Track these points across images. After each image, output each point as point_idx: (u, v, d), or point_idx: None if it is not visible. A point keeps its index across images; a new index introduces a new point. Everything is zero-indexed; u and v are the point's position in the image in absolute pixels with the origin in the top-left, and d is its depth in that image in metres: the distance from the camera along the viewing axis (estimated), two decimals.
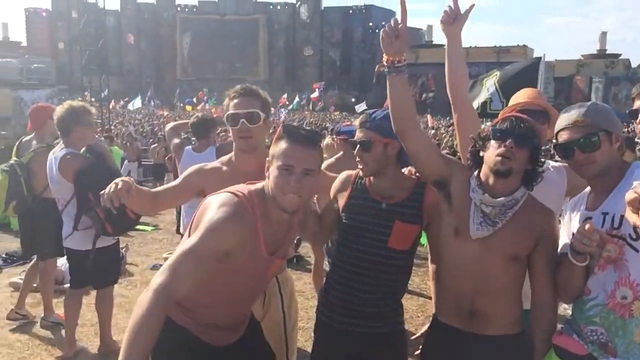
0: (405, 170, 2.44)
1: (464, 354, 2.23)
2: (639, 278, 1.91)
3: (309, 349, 2.85)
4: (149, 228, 9.50)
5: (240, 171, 2.55)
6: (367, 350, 2.39)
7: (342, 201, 2.43)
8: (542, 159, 2.20)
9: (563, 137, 2.11)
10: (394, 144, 2.32)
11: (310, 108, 44.47)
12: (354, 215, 2.37)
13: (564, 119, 2.13)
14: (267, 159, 2.12)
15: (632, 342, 1.92)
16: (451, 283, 2.27)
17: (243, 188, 2.09)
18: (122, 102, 39.78)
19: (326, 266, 5.58)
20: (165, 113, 38.80)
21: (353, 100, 47.28)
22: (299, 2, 64.57)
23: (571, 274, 2.01)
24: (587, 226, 1.86)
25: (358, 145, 2.33)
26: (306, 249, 7.22)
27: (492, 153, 2.11)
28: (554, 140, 2.24)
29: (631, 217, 1.67)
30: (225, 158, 2.68)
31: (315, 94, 42.94)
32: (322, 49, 64.06)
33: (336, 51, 62.15)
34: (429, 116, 26.39)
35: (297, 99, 44.29)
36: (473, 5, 2.51)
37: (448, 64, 2.58)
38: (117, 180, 2.26)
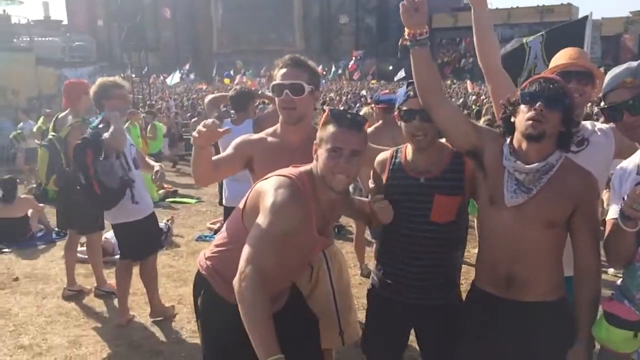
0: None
1: (501, 320, 2.22)
2: None
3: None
4: (192, 201, 9.72)
5: (285, 143, 2.57)
6: (423, 322, 2.44)
7: (381, 180, 2.42)
8: (577, 120, 2.14)
9: (611, 98, 2.04)
10: None
11: (348, 77, 43.99)
12: (395, 196, 2.37)
13: (611, 79, 2.06)
14: (315, 142, 2.19)
15: None
16: (488, 251, 2.26)
17: (293, 171, 2.18)
18: (161, 78, 40.26)
19: (368, 235, 5.62)
20: (204, 87, 39.13)
21: (390, 68, 46.51)
22: None
23: (621, 239, 1.97)
24: (638, 191, 1.81)
25: (418, 115, 2.29)
26: (347, 219, 7.26)
27: (522, 118, 2.06)
28: (601, 104, 2.16)
29: None
30: (270, 130, 2.68)
31: (352, 63, 42.41)
32: (357, 16, 62.88)
33: (372, 18, 60.91)
34: (468, 82, 25.79)
35: (333, 68, 43.88)
36: None
37: (476, 32, 2.52)
38: (206, 122, 2.29)
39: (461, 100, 18.95)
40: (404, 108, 2.33)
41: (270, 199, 2.05)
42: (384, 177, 2.43)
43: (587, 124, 2.59)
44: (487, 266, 2.27)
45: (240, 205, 2.28)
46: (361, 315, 2.94)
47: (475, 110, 13.39)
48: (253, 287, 1.90)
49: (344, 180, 2.13)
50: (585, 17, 5.84)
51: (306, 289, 2.71)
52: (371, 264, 5.69)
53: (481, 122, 2.44)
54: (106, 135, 4.00)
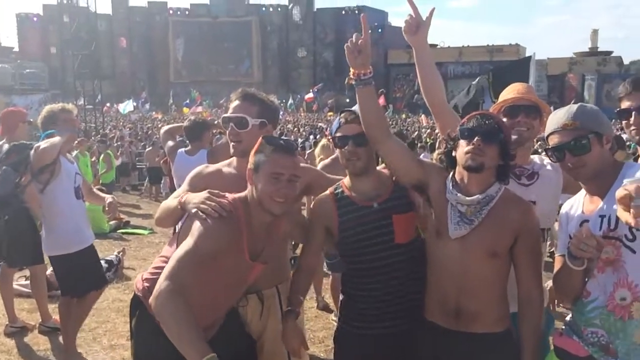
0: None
1: (451, 352, 2.24)
2: (637, 279, 1.92)
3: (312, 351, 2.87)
4: (145, 232, 9.49)
5: (240, 174, 2.54)
6: (400, 348, 2.42)
7: (332, 224, 2.42)
8: (513, 153, 2.22)
9: (553, 140, 2.11)
10: None
11: (305, 109, 44.43)
12: (352, 230, 2.37)
13: (553, 122, 2.13)
14: (249, 167, 2.23)
15: (632, 344, 1.92)
16: (436, 283, 2.29)
17: (227, 196, 2.25)
18: (115, 106, 39.63)
19: (324, 267, 5.60)
20: (159, 116, 38.71)
21: (347, 101, 47.31)
22: (292, 4, 64.56)
23: (569, 277, 2.02)
24: (584, 232, 1.86)
25: (351, 140, 2.35)
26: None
27: (462, 151, 2.15)
28: (546, 144, 2.25)
29: (622, 215, 1.65)
30: (227, 161, 2.69)
31: (309, 95, 42.93)
32: (315, 50, 64.09)
33: (329, 52, 62.12)
34: (423, 116, 26.44)
35: (290, 100, 44.29)
36: (433, 9, 2.52)
37: (420, 72, 2.58)
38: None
39: (416, 133, 19.36)
40: (338, 135, 2.39)
41: (196, 224, 2.13)
42: (333, 216, 2.40)
43: (536, 158, 2.68)
44: (436, 298, 2.29)
45: (177, 227, 2.31)
46: (317, 349, 2.90)
47: (429, 143, 13.71)
48: (168, 298, 1.96)
49: (282, 203, 2.18)
50: (529, 57, 6.16)
51: (257, 326, 2.64)
52: (328, 296, 5.69)
53: (435, 155, 2.50)
54: (42, 144, 3.87)
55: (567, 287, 2.09)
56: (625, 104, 2.41)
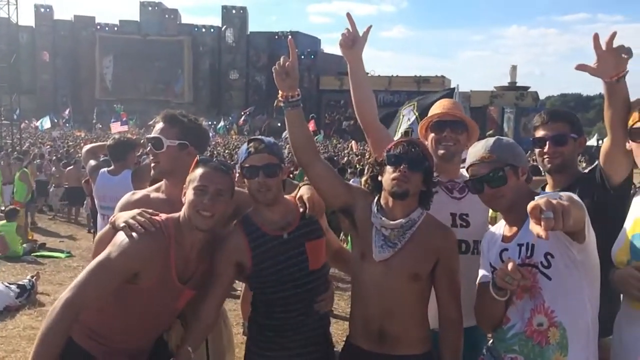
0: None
1: None
2: (553, 305, 2.00)
3: None
4: (62, 255, 9.01)
5: (169, 198, 2.52)
6: None
7: (245, 258, 2.33)
8: (435, 180, 2.30)
9: (472, 172, 2.20)
10: (286, 168, 2.40)
11: (236, 132, 44.11)
12: (269, 262, 2.32)
13: (472, 154, 2.22)
14: (184, 185, 2.25)
15: None
16: (361, 305, 2.32)
17: (160, 215, 2.25)
18: (34, 123, 37.71)
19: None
20: (82, 134, 37.22)
21: (279, 124, 47.47)
22: (225, 26, 64.42)
23: (492, 306, 2.08)
24: (510, 266, 1.92)
25: (261, 171, 2.27)
26: None
27: (388, 177, 2.20)
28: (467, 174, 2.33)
29: (534, 228, 1.71)
30: (156, 185, 2.65)
31: (242, 119, 42.75)
32: (247, 73, 64.01)
33: (262, 75, 62.22)
34: (353, 142, 26.89)
35: (222, 122, 43.88)
36: (370, 26, 2.60)
37: (353, 87, 2.64)
38: None
39: (346, 159, 19.65)
40: (246, 165, 2.30)
41: (120, 236, 2.14)
42: (245, 250, 2.32)
43: (465, 171, 2.77)
44: (360, 322, 2.32)
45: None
46: None
47: (359, 169, 13.95)
48: (62, 314, 2.00)
49: (208, 219, 2.18)
50: (453, 89, 6.47)
51: (183, 352, 2.54)
52: None
53: (363, 180, 2.54)
54: None
55: (490, 315, 2.16)
56: (540, 133, 2.55)
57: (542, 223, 1.66)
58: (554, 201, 1.68)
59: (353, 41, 2.58)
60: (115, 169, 4.80)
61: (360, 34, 2.60)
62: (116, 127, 27.82)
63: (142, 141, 5.60)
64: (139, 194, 2.62)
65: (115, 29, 65.06)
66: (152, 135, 2.53)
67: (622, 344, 2.12)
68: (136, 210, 2.24)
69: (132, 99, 59.61)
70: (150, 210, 2.26)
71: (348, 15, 2.59)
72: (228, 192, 2.25)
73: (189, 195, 2.21)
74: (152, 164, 2.54)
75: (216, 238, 2.34)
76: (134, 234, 2.11)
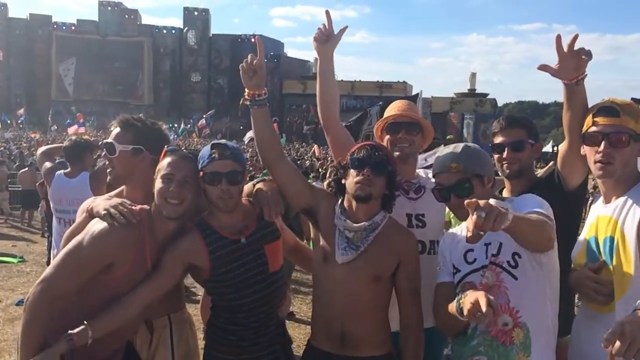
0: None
1: None
2: (518, 305, 2.03)
3: None
4: (14, 260, 8.70)
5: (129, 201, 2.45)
6: None
7: (201, 261, 2.29)
8: (397, 184, 2.33)
9: (439, 180, 2.21)
10: (246, 173, 2.40)
11: (198, 135, 43.57)
12: (229, 266, 2.29)
13: (439, 162, 2.22)
14: (154, 176, 2.25)
15: None
16: (323, 307, 2.33)
17: (135, 206, 2.28)
18: None
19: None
20: (37, 135, 36.12)
21: (241, 128, 47.17)
22: (187, 28, 63.66)
23: (456, 319, 2.04)
24: (483, 303, 1.76)
25: (224, 178, 2.22)
26: (191, 279, 6.98)
27: (352, 181, 2.22)
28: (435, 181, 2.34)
29: (468, 221, 1.69)
30: (117, 190, 2.58)
31: (202, 122, 42.26)
32: (209, 76, 63.40)
33: (224, 78, 61.70)
34: (316, 146, 26.92)
35: (183, 125, 43.28)
36: (346, 27, 2.63)
37: (320, 84, 2.65)
38: None
39: (308, 163, 19.67)
40: (209, 171, 2.24)
41: (94, 225, 2.15)
42: (203, 253, 2.27)
43: (421, 172, 2.80)
44: (322, 323, 2.33)
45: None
46: None
47: (322, 173, 13.99)
48: (35, 306, 2.04)
49: (176, 207, 2.19)
50: (417, 95, 6.56)
51: (146, 357, 2.49)
52: None
53: (325, 184, 2.55)
54: None
55: (452, 325, 2.15)
56: (498, 139, 2.60)
57: (473, 217, 1.64)
58: (494, 204, 1.66)
59: (327, 37, 2.61)
60: (72, 171, 4.68)
61: (335, 33, 2.64)
62: (73, 130, 27.13)
63: (99, 143, 5.46)
64: (101, 199, 2.56)
65: (73, 28, 63.43)
66: (106, 140, 2.52)
67: (580, 344, 2.18)
68: (115, 199, 2.26)
69: (89, 100, 58.27)
70: (128, 202, 2.27)
71: (327, 12, 2.64)
72: (196, 179, 2.26)
73: (157, 184, 2.22)
74: (108, 170, 2.50)
75: (187, 229, 2.33)
76: (115, 223, 2.12)
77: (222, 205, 2.26)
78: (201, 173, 2.25)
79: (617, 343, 1.40)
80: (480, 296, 1.76)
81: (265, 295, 2.34)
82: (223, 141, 2.38)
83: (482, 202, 1.66)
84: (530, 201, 2.10)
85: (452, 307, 1.99)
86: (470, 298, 1.81)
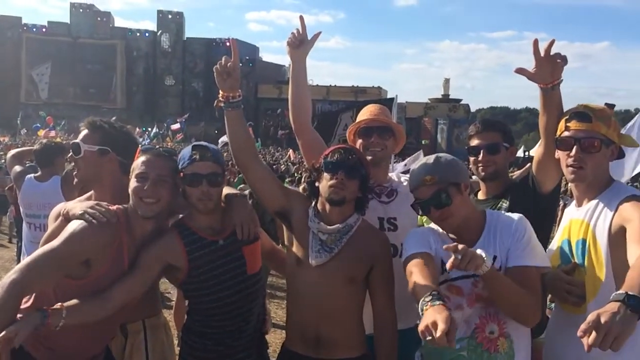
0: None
1: None
2: (504, 316, 2.06)
3: None
4: None
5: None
6: None
7: (180, 262, 2.28)
8: (369, 186, 2.34)
9: (417, 195, 2.19)
10: (225, 176, 2.39)
11: (172, 138, 43.12)
12: (206, 267, 2.28)
13: (413, 177, 2.21)
14: (130, 175, 2.23)
15: None
16: (297, 311, 2.33)
17: (110, 206, 2.24)
18: None
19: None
20: (5, 139, 35.30)
21: (216, 132, 46.88)
22: (160, 31, 63.03)
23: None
24: (437, 333, 1.64)
25: (205, 180, 2.22)
26: (166, 285, 6.89)
27: (325, 184, 2.22)
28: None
29: (448, 262, 1.85)
30: (87, 194, 2.55)
31: (176, 125, 41.86)
32: (184, 79, 62.83)
33: (199, 82, 61.21)
34: (291, 151, 26.89)
35: (155, 129, 42.79)
36: (320, 32, 2.65)
37: (292, 88, 2.66)
38: None
39: (284, 167, 19.63)
40: (189, 172, 2.24)
41: (72, 225, 2.11)
42: (181, 253, 2.27)
43: (394, 175, 2.82)
44: (297, 327, 2.32)
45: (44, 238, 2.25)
46: None
47: (297, 177, 13.97)
48: (6, 293, 1.93)
49: (153, 206, 2.17)
50: (392, 99, 6.59)
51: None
52: None
53: (301, 188, 2.55)
54: None
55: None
56: (474, 142, 2.64)
57: (450, 260, 1.82)
58: (470, 254, 1.82)
59: (301, 42, 2.61)
60: (43, 175, 4.58)
61: (309, 38, 2.64)
62: (45, 134, 26.59)
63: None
64: (70, 205, 2.50)
65: (44, 30, 62.26)
66: (72, 141, 2.49)
67: (554, 345, 2.21)
68: (90, 202, 2.23)
69: (60, 103, 57.20)
70: (104, 203, 2.23)
71: (300, 17, 2.65)
72: (171, 177, 2.23)
73: (131, 184, 2.20)
74: (74, 171, 2.47)
75: (164, 229, 2.32)
76: (94, 221, 2.09)
77: (201, 207, 2.26)
78: (181, 174, 2.25)
79: (593, 333, 1.44)
80: (441, 321, 1.63)
81: (243, 298, 2.32)
82: (204, 143, 2.36)
83: (460, 247, 1.80)
84: (526, 245, 2.10)
85: (418, 301, 1.89)
86: (430, 317, 1.68)
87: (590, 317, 1.47)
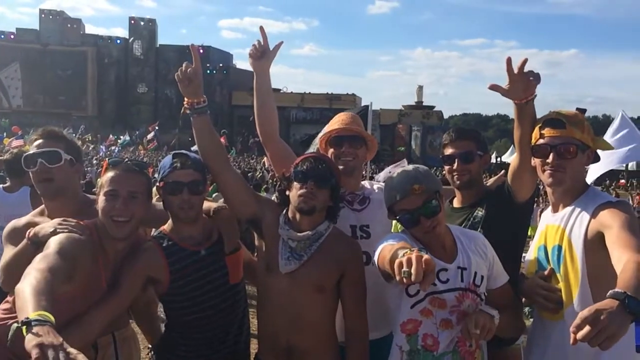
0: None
1: None
2: None
3: None
4: None
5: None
6: None
7: (161, 274, 2.25)
8: (340, 194, 2.34)
9: (404, 206, 2.12)
10: (207, 184, 2.37)
11: (145, 146, 42.59)
12: (188, 278, 2.25)
13: (397, 188, 2.13)
14: (97, 190, 2.14)
15: None
16: (267, 320, 2.30)
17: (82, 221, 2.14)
18: None
19: (161, 313, 5.27)
20: None
21: (190, 139, 46.41)
22: (132, 38, 62.31)
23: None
24: (414, 270, 1.65)
25: (186, 188, 2.19)
26: None
27: (295, 193, 2.21)
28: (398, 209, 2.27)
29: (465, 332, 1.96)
30: (38, 209, 2.43)
31: (151, 135, 41.34)
32: (157, 87, 62.17)
33: (172, 89, 60.33)
34: (265, 158, 26.82)
35: (126, 136, 42.19)
36: (281, 42, 2.63)
37: (257, 99, 2.63)
38: None
39: (260, 175, 19.56)
40: (170, 180, 2.21)
41: (54, 241, 1.97)
42: (163, 265, 2.24)
43: (366, 183, 2.82)
44: (268, 336, 2.30)
45: None
46: None
47: (272, 184, 13.93)
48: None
49: (124, 225, 2.06)
50: (367, 106, 6.63)
51: None
52: None
53: (275, 196, 2.53)
54: None
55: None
56: (449, 151, 2.65)
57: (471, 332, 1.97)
58: (488, 326, 1.97)
59: (262, 53, 2.58)
60: (12, 185, 4.47)
61: (271, 48, 2.61)
62: (13, 143, 25.95)
63: None
64: (24, 220, 2.40)
65: (12, 37, 60.97)
66: (45, 149, 2.28)
67: (533, 350, 2.23)
68: (55, 220, 2.10)
69: (29, 111, 56.01)
70: (72, 219, 2.12)
71: (261, 28, 2.60)
72: (143, 193, 2.15)
73: (100, 202, 2.09)
74: (44, 183, 2.28)
75: (140, 243, 2.23)
76: (75, 235, 2.00)
77: (183, 216, 2.22)
78: (162, 183, 2.21)
79: (586, 328, 1.42)
80: (425, 258, 1.63)
81: (225, 308, 2.30)
82: (184, 151, 2.32)
83: (480, 321, 1.92)
84: (497, 264, 2.21)
85: (387, 255, 1.87)
86: (413, 255, 1.65)
87: (586, 312, 1.45)
